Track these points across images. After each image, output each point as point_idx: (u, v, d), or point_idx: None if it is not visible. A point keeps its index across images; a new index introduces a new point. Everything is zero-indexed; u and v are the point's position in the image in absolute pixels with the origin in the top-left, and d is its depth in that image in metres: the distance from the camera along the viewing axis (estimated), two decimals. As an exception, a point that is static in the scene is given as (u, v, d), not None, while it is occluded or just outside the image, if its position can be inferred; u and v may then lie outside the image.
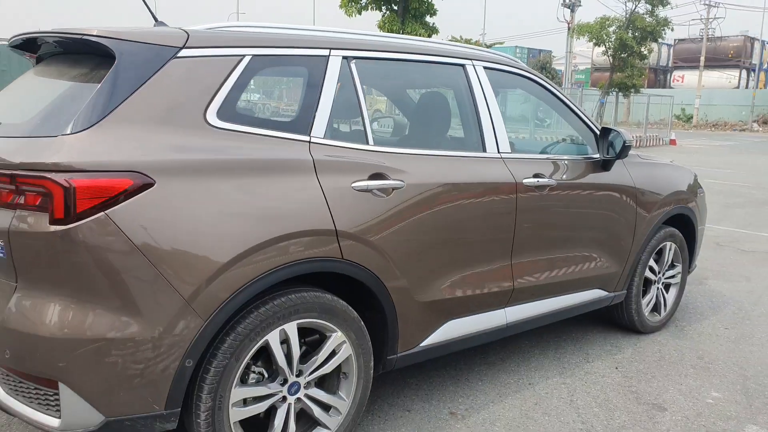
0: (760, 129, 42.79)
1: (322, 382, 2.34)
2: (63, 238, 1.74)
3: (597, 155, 3.35)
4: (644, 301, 3.84)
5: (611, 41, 25.15)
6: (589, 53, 44.32)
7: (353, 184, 2.27)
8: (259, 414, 2.19)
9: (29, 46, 2.44)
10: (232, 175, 2.01)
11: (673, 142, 25.08)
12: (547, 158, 3.13)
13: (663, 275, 3.96)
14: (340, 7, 16.82)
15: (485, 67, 2.93)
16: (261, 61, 2.20)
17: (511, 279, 2.91)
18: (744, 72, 54.07)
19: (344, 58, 2.41)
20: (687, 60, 54.32)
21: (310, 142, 2.24)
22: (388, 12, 16.83)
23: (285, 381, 2.19)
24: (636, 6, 24.80)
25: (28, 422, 1.91)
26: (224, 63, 2.10)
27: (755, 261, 5.98)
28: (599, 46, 26.11)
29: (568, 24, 31.58)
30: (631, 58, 25.45)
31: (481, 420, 2.77)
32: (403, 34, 16.93)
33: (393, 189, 2.38)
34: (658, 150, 20.59)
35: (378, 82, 2.69)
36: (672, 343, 3.79)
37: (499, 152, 2.84)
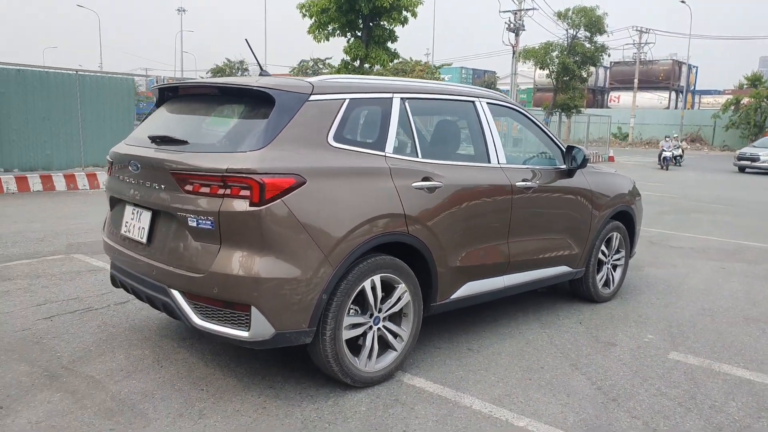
0: (689, 147, 46.27)
1: (391, 319, 3.41)
2: (257, 215, 2.77)
3: (564, 166, 4.58)
4: (598, 277, 5.08)
5: (555, 65, 27.28)
6: (531, 73, 46.84)
7: (413, 184, 3.38)
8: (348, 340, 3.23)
9: (171, 88, 3.47)
10: (346, 178, 3.09)
11: (611, 158, 27.26)
12: (530, 168, 4.33)
13: (611, 258, 5.23)
14: (309, 32, 17.93)
15: (487, 103, 4.12)
16: (354, 102, 3.29)
17: (508, 254, 4.07)
18: (673, 93, 58.15)
19: (401, 98, 3.54)
20: (622, 81, 58.03)
21: (385, 156, 3.34)
22: (353, 38, 18.04)
23: (371, 315, 3.27)
24: (576, 33, 27.04)
25: (220, 336, 2.91)
26: (335, 104, 3.18)
27: (680, 254, 7.40)
28: (543, 69, 28.22)
29: (513, 47, 33.76)
30: (573, 81, 27.65)
31: (490, 353, 3.90)
32: (367, 58, 18.22)
33: (435, 188, 3.50)
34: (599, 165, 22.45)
35: (421, 114, 3.79)
36: (619, 308, 5.04)
37: (499, 163, 4.02)
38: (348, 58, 18.00)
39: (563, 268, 4.67)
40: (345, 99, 3.24)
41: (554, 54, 27.19)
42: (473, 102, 4.03)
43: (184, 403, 3.04)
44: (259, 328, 2.83)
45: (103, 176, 11.60)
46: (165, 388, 3.20)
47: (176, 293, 2.98)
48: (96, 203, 9.80)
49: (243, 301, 2.82)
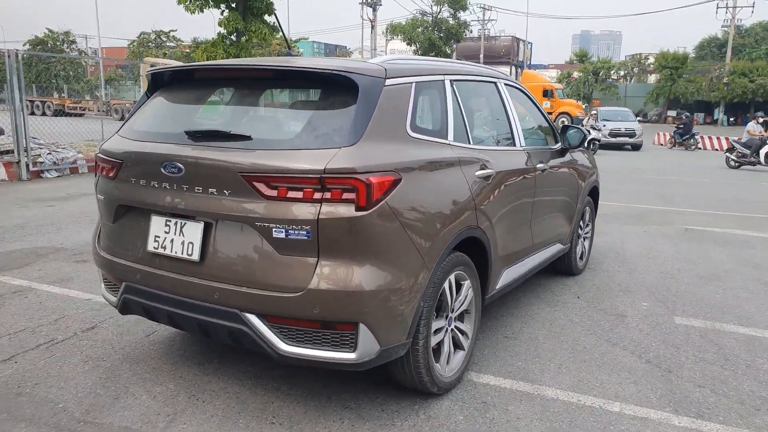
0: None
1: (458, 318, 3.20)
2: (364, 220, 2.39)
3: (559, 145, 4.62)
4: (577, 251, 5.26)
5: (421, 41, 27.93)
6: (385, 48, 47.57)
7: (476, 173, 3.17)
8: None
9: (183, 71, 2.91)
10: (429, 171, 2.79)
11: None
12: (541, 149, 4.29)
13: (584, 231, 5.43)
14: (180, 3, 16.40)
15: (504, 83, 3.99)
16: (419, 86, 2.98)
17: (532, 237, 4.04)
18: (514, 68, 62.56)
19: (450, 81, 3.29)
20: (468, 57, 60.70)
21: (450, 144, 3.08)
22: (228, 10, 16.84)
23: (446, 317, 3.04)
24: (441, 9, 27.88)
25: (315, 361, 2.49)
26: (406, 89, 2.85)
27: (605, 220, 7.93)
28: (411, 45, 28.78)
29: (371, 22, 33.92)
30: (437, 56, 28.58)
31: (527, 338, 3.85)
32: (246, 31, 17.15)
33: (490, 176, 3.33)
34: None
35: (463, 97, 3.54)
36: (597, 278, 5.27)
37: (522, 146, 3.93)
38: (225, 31, 16.76)
39: (558, 246, 4.75)
40: (412, 83, 2.92)
41: (419, 30, 27.84)
42: (495, 83, 3.89)
43: (265, 442, 2.61)
44: (367, 347, 2.49)
45: (-44, 172, 9.71)
46: (228, 427, 2.72)
47: (253, 317, 2.51)
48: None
49: (350, 319, 2.44)
